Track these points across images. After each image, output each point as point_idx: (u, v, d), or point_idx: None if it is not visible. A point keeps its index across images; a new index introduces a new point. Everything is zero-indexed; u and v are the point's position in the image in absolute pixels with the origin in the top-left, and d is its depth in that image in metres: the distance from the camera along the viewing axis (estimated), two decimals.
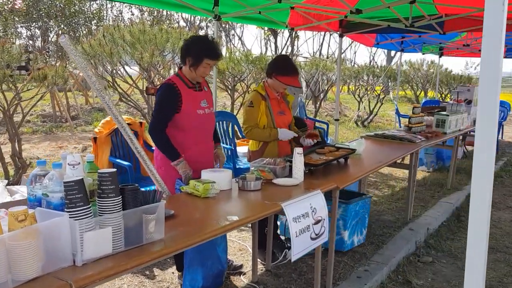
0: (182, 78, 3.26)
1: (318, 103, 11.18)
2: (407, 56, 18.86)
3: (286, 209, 2.71)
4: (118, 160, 4.34)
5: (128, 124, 4.48)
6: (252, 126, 3.78)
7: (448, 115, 6.04)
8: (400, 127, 9.62)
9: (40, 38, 10.39)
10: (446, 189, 6.66)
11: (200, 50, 3.16)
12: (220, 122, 5.62)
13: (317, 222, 2.96)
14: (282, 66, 3.79)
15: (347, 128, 11.74)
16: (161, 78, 6.47)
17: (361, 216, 4.26)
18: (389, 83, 13.71)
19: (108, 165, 4.30)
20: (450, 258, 4.44)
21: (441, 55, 12.60)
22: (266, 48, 11.53)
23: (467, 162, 8.71)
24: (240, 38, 20.89)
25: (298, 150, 3.30)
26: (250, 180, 3.06)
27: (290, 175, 3.36)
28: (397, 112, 10.17)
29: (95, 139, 4.26)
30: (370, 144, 4.84)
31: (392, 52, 25.59)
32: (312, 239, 2.92)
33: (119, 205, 1.90)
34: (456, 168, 7.61)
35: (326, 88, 12.04)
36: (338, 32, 8.11)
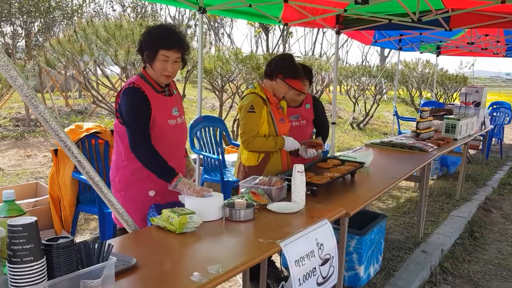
0: (147, 80, 2.60)
1: None
2: (402, 56, 18.37)
3: (286, 250, 2.09)
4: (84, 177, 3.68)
5: (97, 132, 3.83)
6: (254, 136, 3.16)
7: (458, 120, 5.46)
8: (400, 133, 9.04)
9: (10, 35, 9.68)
10: (455, 200, 6.08)
11: (154, 39, 2.51)
12: (206, 129, 4.98)
13: (325, 262, 2.34)
14: (292, 67, 3.19)
15: (343, 131, 11.16)
16: None
17: (377, 242, 3.64)
18: (383, 83, 13.15)
19: (72, 183, 3.64)
20: (470, 285, 3.85)
21: (438, 54, 12.07)
22: (257, 47, 10.91)
23: (472, 168, 8.16)
24: (229, 36, 20.20)
25: (298, 168, 2.68)
26: (239, 208, 2.43)
27: (288, 197, 2.75)
28: (396, 115, 9.60)
29: (55, 151, 3.59)
30: (377, 154, 4.23)
31: (386, 52, 25.13)
32: (319, 284, 2.30)
33: (41, 272, 1.26)
34: (456, 174, 7.10)
35: (321, 89, 11.45)
36: (335, 29, 7.51)
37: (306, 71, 3.83)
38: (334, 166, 3.42)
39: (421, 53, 11.63)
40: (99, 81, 5.58)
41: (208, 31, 21.10)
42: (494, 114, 10.13)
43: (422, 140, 5.05)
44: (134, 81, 2.56)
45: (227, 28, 21.75)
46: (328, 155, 3.85)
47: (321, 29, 17.76)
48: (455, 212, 5.57)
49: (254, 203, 2.53)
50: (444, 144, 4.96)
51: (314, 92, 11.23)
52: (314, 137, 3.81)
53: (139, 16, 14.43)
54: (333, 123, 7.86)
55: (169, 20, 18.72)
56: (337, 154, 4.03)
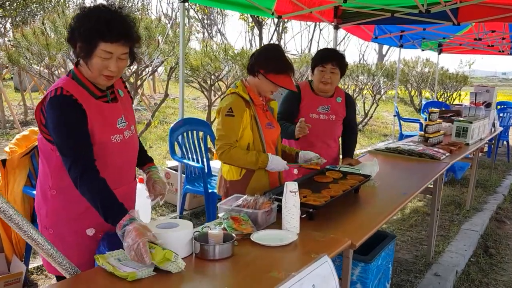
0: (81, 82, 1.93)
1: None
2: (401, 54, 17.85)
3: None
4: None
5: None
6: (230, 145, 2.60)
7: (471, 123, 4.91)
8: (402, 135, 8.50)
9: None
10: (465, 210, 5.54)
11: (91, 27, 1.81)
12: (189, 133, 4.42)
13: None
14: (275, 59, 2.61)
15: None
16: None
17: (385, 268, 3.07)
18: (382, 83, 12.62)
19: (24, 199, 3.07)
20: None
21: (439, 52, 11.56)
22: (251, 44, 10.34)
23: (479, 172, 7.61)
24: (219, 30, 19.52)
25: (291, 187, 2.13)
26: (214, 243, 1.88)
27: (278, 221, 2.20)
28: (398, 116, 9.05)
29: (3, 161, 3.01)
30: (382, 163, 3.67)
31: (384, 50, 24.62)
32: None
33: None
34: (464, 180, 6.61)
35: None
36: (333, 23, 6.97)
37: (337, 56, 3.27)
38: (334, 180, 2.87)
39: (423, 50, 11.11)
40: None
41: (202, 29, 20.53)
42: (501, 115, 9.61)
43: (431, 145, 4.51)
44: (63, 85, 1.87)
45: (220, 25, 21.09)
46: (328, 166, 3.30)
47: (317, 26, 17.23)
48: (466, 224, 5.04)
49: (234, 235, 1.97)
50: (456, 150, 4.42)
51: None
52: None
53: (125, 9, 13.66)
54: None
55: (164, 20, 18.08)
56: (338, 166, 3.47)
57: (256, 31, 9.22)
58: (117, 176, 2.04)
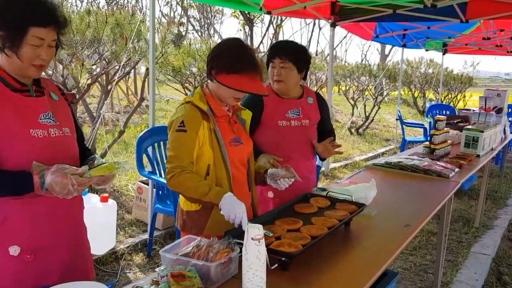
0: None
1: None
2: (404, 54, 17.27)
3: None
4: None
5: None
6: (182, 168, 2.03)
7: (482, 132, 4.34)
8: (405, 141, 7.94)
9: None
10: (475, 228, 4.98)
11: (19, 13, 1.61)
12: (161, 143, 3.87)
13: None
14: (227, 56, 2.06)
15: (340, 137, 10.03)
16: (78, 82, 4.68)
17: None
18: (384, 84, 12.06)
19: None
20: None
21: (444, 52, 11.00)
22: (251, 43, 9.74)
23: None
24: (215, 30, 18.94)
25: (253, 232, 1.58)
26: None
27: (238, 274, 1.65)
28: (400, 120, 8.49)
29: None
30: (381, 182, 3.11)
31: (386, 50, 24.04)
32: None
33: None
34: (471, 191, 6.07)
35: (317, 90, 10.34)
36: (330, 21, 6.44)
37: (287, 49, 2.73)
38: (319, 209, 2.31)
39: (427, 50, 10.55)
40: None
41: (200, 29, 20.00)
42: (510, 119, 9.03)
43: (438, 158, 3.95)
44: None
45: (217, 25, 20.52)
46: (316, 188, 2.74)
47: (317, 25, 16.67)
48: (476, 246, 4.48)
49: None
50: (467, 164, 3.85)
51: None
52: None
53: (115, 7, 12.98)
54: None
55: (163, 20, 17.39)
56: (323, 185, 2.90)
57: (247, 29, 8.64)
58: None
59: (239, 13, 8.83)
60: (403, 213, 2.59)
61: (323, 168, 6.63)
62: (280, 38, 11.77)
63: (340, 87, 15.39)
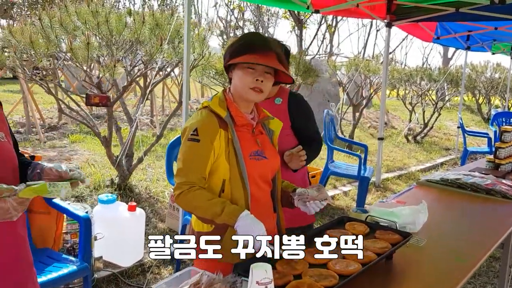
0: None
1: (358, 112, 8.98)
2: (468, 58, 16.25)
3: None
4: None
5: None
6: (191, 184, 1.76)
7: None
8: (467, 151, 7.30)
9: None
10: None
11: None
12: None
13: None
14: (239, 41, 1.85)
15: (395, 145, 9.45)
16: (110, 85, 4.53)
17: None
18: (445, 89, 11.32)
19: None
20: None
21: None
22: (300, 46, 9.27)
23: None
24: (269, 33, 18.70)
25: (259, 275, 1.27)
26: None
27: None
28: (462, 128, 7.85)
29: None
30: (434, 203, 2.70)
31: (449, 53, 22.87)
32: None
33: None
34: None
35: (371, 94, 9.81)
36: (385, 21, 5.99)
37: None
38: (357, 236, 1.95)
39: (493, 54, 9.77)
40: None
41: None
42: None
43: (503, 174, 3.46)
44: None
45: (271, 28, 20.23)
46: (356, 208, 2.37)
47: (374, 25, 16.00)
48: None
49: None
50: None
51: (361, 97, 9.62)
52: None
53: (166, 8, 12.89)
54: (380, 139, 6.32)
55: (221, 25, 17.31)
56: (367, 207, 2.54)
57: (297, 30, 8.27)
58: None
59: (290, 14, 8.52)
60: (460, 243, 2.19)
61: (373, 179, 6.16)
62: (335, 40, 11.30)
63: (399, 92, 14.69)
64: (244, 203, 1.83)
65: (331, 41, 12.81)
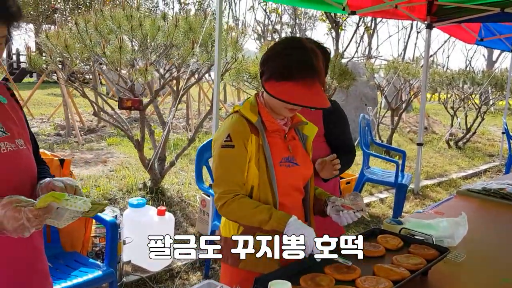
0: None
1: (397, 117, 8.73)
2: None
3: None
4: None
5: None
6: (234, 193, 1.71)
7: None
8: None
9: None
10: None
11: None
12: None
13: None
14: (280, 59, 1.68)
15: (435, 151, 9.13)
16: (144, 88, 4.54)
17: None
18: (490, 93, 10.88)
19: None
20: None
21: None
22: (337, 48, 9.13)
23: None
24: (306, 36, 18.62)
25: None
26: None
27: None
28: (507, 133, 7.50)
29: None
30: (475, 215, 2.54)
31: (494, 56, 22.09)
32: None
33: None
34: None
35: (410, 97, 9.52)
36: (426, 22, 5.78)
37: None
38: (387, 251, 1.84)
39: None
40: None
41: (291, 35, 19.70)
42: None
43: None
44: None
45: (309, 31, 20.09)
46: (390, 220, 2.24)
47: (414, 27, 15.60)
48: None
49: None
50: None
51: (400, 101, 9.35)
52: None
53: (202, 12, 13.01)
54: (420, 144, 6.10)
55: (257, 27, 17.31)
56: (404, 217, 2.40)
57: (333, 33, 8.13)
58: None
59: (326, 16, 8.38)
60: (503, 260, 2.02)
61: (412, 186, 5.95)
62: (374, 42, 11.06)
63: (441, 96, 14.25)
64: None
65: (369, 43, 12.57)
